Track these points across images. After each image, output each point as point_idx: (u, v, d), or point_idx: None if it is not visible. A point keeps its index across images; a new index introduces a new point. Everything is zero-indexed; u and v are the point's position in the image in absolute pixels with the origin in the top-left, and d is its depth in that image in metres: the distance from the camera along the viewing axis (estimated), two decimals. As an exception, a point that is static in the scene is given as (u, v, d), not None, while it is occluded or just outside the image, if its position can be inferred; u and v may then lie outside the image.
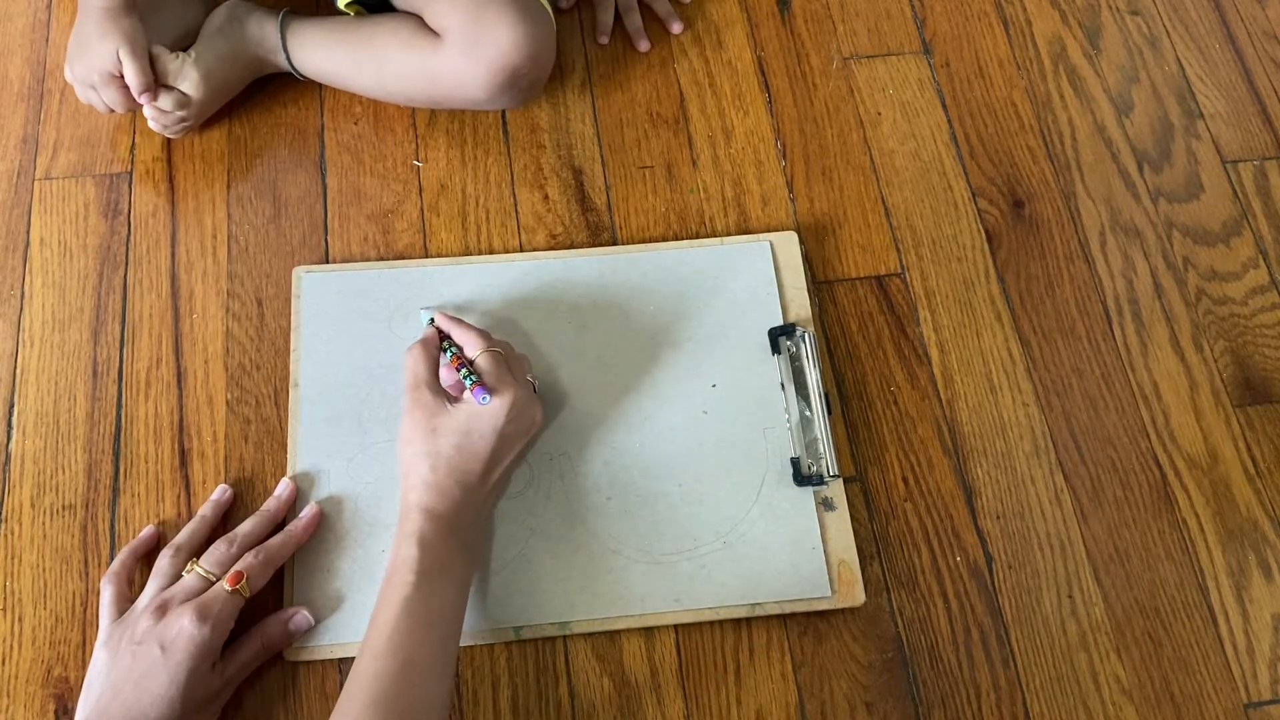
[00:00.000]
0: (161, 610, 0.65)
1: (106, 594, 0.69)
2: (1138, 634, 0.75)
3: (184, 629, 0.64)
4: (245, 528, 0.72)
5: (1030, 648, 0.75)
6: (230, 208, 0.86)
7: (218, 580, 0.68)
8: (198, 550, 0.71)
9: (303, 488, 0.75)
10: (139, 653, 0.64)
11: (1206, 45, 0.99)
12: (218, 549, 0.70)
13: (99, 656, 0.66)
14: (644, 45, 0.96)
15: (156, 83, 0.83)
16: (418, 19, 0.85)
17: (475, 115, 0.92)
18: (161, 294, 0.83)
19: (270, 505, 0.74)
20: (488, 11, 0.82)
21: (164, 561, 0.70)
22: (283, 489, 0.74)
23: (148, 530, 0.74)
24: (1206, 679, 0.74)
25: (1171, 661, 0.75)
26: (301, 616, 0.71)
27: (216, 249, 0.85)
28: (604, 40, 0.96)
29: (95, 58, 0.81)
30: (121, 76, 0.82)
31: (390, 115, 0.91)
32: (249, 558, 0.69)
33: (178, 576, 0.69)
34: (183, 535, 0.72)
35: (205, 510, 0.74)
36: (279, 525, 0.73)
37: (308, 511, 0.73)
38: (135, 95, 0.82)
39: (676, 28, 0.97)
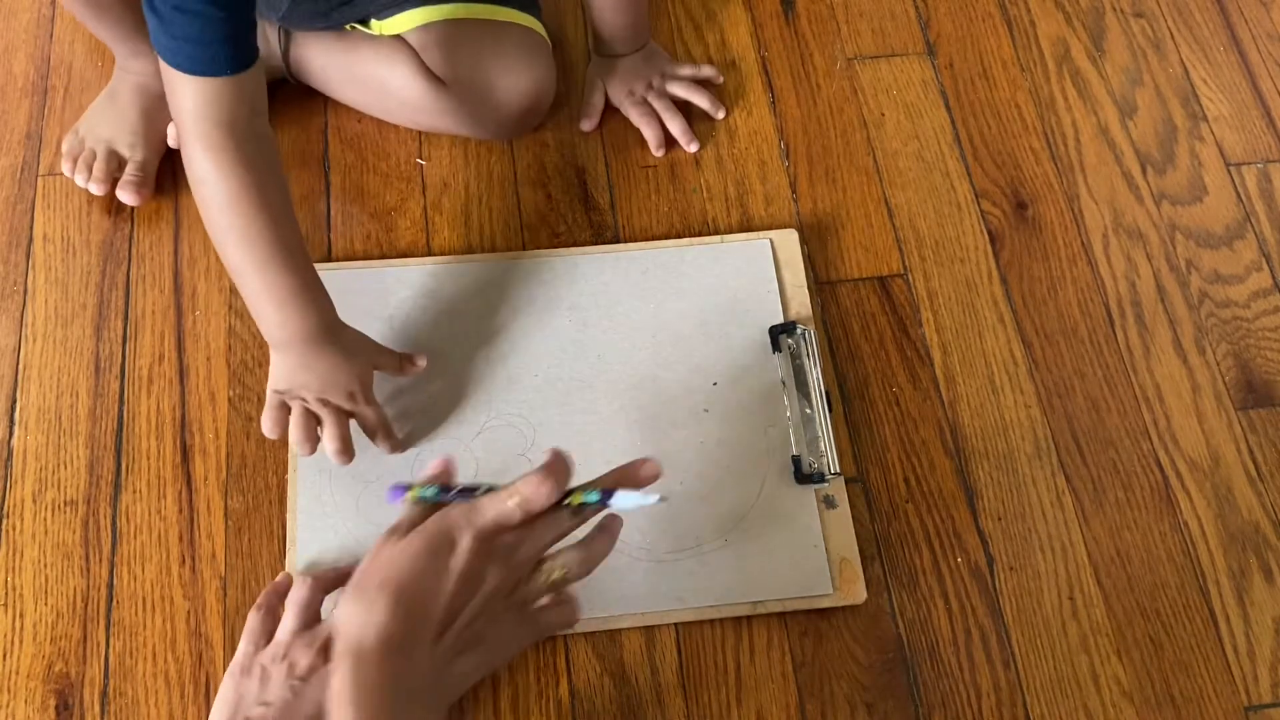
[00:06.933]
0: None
1: (254, 622, 0.67)
2: (1139, 636, 0.75)
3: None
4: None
5: (1031, 649, 0.74)
6: (233, 205, 0.86)
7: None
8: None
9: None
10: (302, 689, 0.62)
11: (1211, 48, 0.99)
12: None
13: (243, 685, 0.64)
14: (693, 146, 0.90)
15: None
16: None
17: (479, 114, 0.92)
18: (164, 290, 0.83)
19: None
20: (489, 65, 0.81)
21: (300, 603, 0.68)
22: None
23: (283, 576, 0.71)
24: (1207, 681, 0.74)
25: (1172, 664, 0.74)
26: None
27: (219, 246, 0.85)
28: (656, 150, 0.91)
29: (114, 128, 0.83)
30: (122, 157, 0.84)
31: (394, 113, 0.91)
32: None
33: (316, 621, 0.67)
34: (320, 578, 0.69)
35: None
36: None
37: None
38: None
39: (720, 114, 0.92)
